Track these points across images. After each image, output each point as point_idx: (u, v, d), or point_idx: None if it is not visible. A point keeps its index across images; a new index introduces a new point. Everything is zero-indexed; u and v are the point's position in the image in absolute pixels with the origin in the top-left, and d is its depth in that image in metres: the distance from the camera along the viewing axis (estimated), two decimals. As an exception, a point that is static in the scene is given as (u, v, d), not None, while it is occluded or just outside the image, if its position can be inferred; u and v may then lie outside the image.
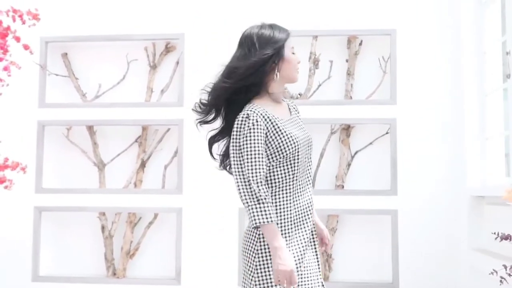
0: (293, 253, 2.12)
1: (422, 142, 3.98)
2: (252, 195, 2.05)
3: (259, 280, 2.10)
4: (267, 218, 2.02)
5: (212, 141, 2.35)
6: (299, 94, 4.13)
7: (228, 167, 2.35)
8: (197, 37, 4.17)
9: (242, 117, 2.12)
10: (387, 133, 4.06)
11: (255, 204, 2.04)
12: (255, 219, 2.03)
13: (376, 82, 4.11)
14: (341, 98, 4.15)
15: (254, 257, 2.12)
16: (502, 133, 3.59)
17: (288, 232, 2.14)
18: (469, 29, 3.83)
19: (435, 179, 3.95)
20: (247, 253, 2.15)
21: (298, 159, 2.17)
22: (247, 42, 2.22)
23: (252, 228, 2.14)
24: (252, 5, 4.16)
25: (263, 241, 2.10)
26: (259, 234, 2.12)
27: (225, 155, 2.34)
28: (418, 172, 3.96)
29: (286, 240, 2.12)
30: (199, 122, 2.34)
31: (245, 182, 2.07)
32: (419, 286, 3.89)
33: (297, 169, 2.17)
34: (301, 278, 2.13)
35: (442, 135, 3.98)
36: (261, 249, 2.11)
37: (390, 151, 3.98)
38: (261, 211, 2.03)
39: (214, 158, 2.37)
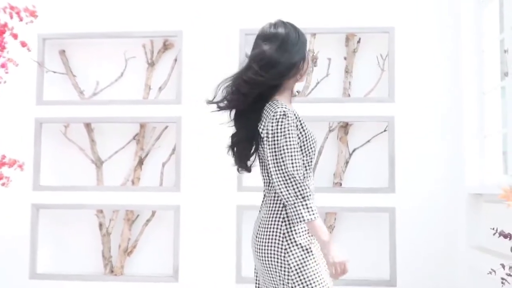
0: (317, 248, 2.15)
1: (420, 140, 3.98)
2: (296, 192, 2.04)
3: (302, 278, 2.09)
4: (314, 214, 2.03)
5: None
6: (297, 92, 4.12)
7: (247, 164, 2.30)
8: (195, 35, 4.16)
9: (280, 115, 2.09)
10: (385, 130, 4.06)
11: (301, 202, 2.03)
12: (303, 216, 2.02)
13: (374, 80, 4.11)
14: (339, 95, 4.15)
15: (284, 257, 2.11)
16: (500, 131, 3.59)
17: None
18: (467, 27, 3.83)
19: (433, 177, 3.95)
20: (275, 255, 2.12)
21: (314, 156, 2.25)
22: (280, 41, 2.21)
23: (273, 228, 2.13)
24: (250, 3, 4.15)
25: (290, 239, 2.11)
26: (284, 233, 2.12)
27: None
28: (416, 170, 3.96)
29: (309, 236, 2.14)
30: (209, 102, 2.29)
31: (288, 179, 2.05)
32: (417, 283, 3.89)
33: (312, 166, 2.24)
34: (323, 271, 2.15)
35: (440, 133, 3.98)
36: (291, 247, 2.11)
37: (388, 149, 3.98)
38: (307, 207, 2.03)
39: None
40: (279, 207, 2.16)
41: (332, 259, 2.04)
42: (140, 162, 4.25)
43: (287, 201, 2.05)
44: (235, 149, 2.31)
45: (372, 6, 4.08)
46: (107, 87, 4.29)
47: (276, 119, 2.09)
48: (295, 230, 2.13)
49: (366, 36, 4.14)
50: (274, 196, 2.19)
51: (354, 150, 4.12)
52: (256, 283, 2.36)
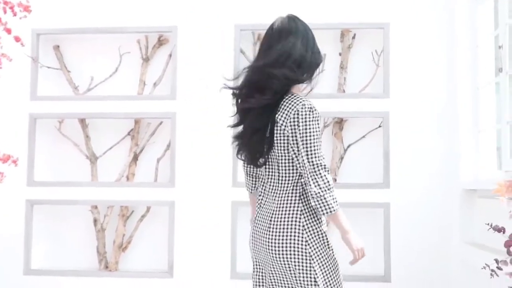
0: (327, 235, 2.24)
1: (415, 136, 3.99)
2: (325, 184, 2.09)
3: (324, 268, 2.18)
4: (338, 204, 2.12)
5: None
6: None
7: (257, 158, 2.26)
8: (190, 30, 4.15)
9: (309, 109, 2.13)
10: (380, 126, 4.06)
11: (329, 193, 2.09)
12: (332, 207, 2.09)
13: (369, 76, 4.11)
14: (334, 91, 4.15)
15: (306, 248, 2.14)
16: (494, 127, 3.60)
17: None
18: (462, 23, 3.84)
19: (428, 173, 3.96)
20: (295, 247, 2.14)
21: None
22: (301, 37, 2.27)
23: (290, 220, 2.15)
24: (245, -2, 4.15)
25: (309, 230, 2.16)
26: (303, 225, 2.15)
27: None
28: (410, 166, 3.97)
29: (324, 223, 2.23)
30: (229, 88, 2.32)
31: (319, 171, 2.09)
32: (411, 278, 3.91)
33: None
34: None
35: (435, 129, 3.98)
36: (312, 239, 2.16)
37: (383, 145, 3.98)
38: (333, 198, 2.10)
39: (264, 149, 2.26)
40: (295, 199, 2.18)
41: (356, 246, 2.22)
42: (135, 158, 4.24)
43: (316, 193, 2.08)
44: (244, 140, 2.26)
45: (367, 2, 4.08)
46: (101, 82, 4.28)
47: (305, 112, 2.12)
48: (316, 221, 2.18)
49: (361, 32, 4.14)
50: (290, 189, 2.20)
51: (349, 146, 4.13)
52: (257, 279, 2.34)
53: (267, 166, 2.25)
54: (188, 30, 4.15)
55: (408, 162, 3.97)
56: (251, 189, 2.45)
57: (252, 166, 2.37)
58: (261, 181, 2.32)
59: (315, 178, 2.08)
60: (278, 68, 2.16)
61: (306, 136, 2.10)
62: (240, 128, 2.30)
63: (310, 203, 2.15)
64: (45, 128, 4.27)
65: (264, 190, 2.29)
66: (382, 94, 4.00)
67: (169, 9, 4.18)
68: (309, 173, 2.08)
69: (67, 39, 4.33)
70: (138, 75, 4.29)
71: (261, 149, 2.21)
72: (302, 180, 2.16)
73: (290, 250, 2.14)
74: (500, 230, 2.13)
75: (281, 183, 2.21)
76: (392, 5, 4.06)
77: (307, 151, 2.10)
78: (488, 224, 2.22)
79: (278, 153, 2.18)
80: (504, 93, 3.27)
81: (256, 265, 2.34)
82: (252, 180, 2.43)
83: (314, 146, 2.10)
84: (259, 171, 2.34)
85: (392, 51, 4.01)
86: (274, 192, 2.24)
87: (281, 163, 2.19)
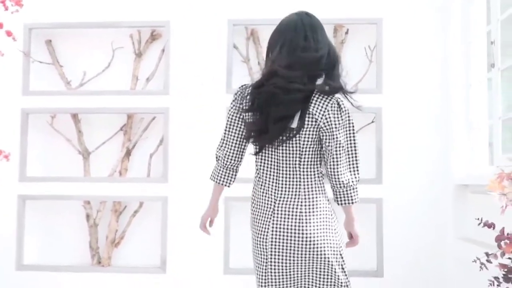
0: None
1: (407, 131, 3.99)
2: (359, 176, 2.29)
3: (343, 256, 2.29)
4: None
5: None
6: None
7: (274, 142, 2.23)
8: (183, 25, 4.14)
9: (346, 107, 2.24)
10: (372, 122, 4.07)
11: (357, 186, 2.29)
12: (358, 197, 2.33)
13: (362, 71, 4.11)
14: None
15: (337, 238, 2.27)
16: (487, 123, 3.61)
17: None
18: (455, 19, 3.84)
19: (420, 168, 3.97)
20: (332, 238, 2.24)
21: None
22: (326, 34, 2.31)
23: (325, 211, 2.24)
24: (238, -7, 4.14)
25: (335, 220, 2.29)
26: (332, 215, 2.28)
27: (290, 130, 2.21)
28: (403, 161, 3.98)
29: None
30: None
31: (359, 166, 2.26)
32: (404, 273, 3.92)
33: None
34: None
35: (427, 124, 3.99)
36: (336, 226, 2.30)
37: (376, 140, 3.99)
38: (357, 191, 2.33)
39: (292, 130, 2.20)
40: (321, 188, 2.26)
41: (358, 232, 2.39)
42: (128, 153, 4.23)
43: (354, 182, 2.25)
44: (269, 126, 2.19)
45: (360, -3, 4.08)
46: (94, 77, 4.26)
47: (343, 105, 2.22)
48: (333, 210, 2.31)
49: (354, 27, 4.14)
50: (317, 179, 2.25)
51: (341, 141, 4.13)
52: (272, 274, 2.25)
53: (280, 156, 2.24)
54: (180, 24, 4.14)
55: (400, 157, 3.98)
56: (228, 183, 2.50)
57: (236, 160, 2.39)
58: (268, 173, 2.28)
59: (355, 172, 2.24)
60: (333, 61, 2.24)
61: (350, 127, 2.24)
62: (251, 115, 2.25)
63: (339, 191, 2.28)
64: (37, 123, 4.26)
65: (277, 181, 2.25)
66: (374, 90, 4.00)
67: (161, 4, 4.17)
68: (351, 162, 2.23)
69: (59, 33, 4.31)
70: (131, 70, 4.27)
71: (280, 138, 2.19)
72: (333, 168, 2.23)
73: (326, 240, 2.20)
74: (490, 225, 2.15)
75: (305, 173, 2.23)
76: (385, 0, 4.06)
77: (352, 140, 2.24)
78: (478, 219, 2.23)
79: (303, 143, 2.19)
80: (496, 88, 3.29)
81: (272, 260, 2.23)
82: (232, 174, 2.47)
83: (356, 142, 2.24)
84: (258, 160, 2.32)
85: (385, 46, 4.02)
86: (294, 183, 2.23)
87: (306, 152, 2.21)
